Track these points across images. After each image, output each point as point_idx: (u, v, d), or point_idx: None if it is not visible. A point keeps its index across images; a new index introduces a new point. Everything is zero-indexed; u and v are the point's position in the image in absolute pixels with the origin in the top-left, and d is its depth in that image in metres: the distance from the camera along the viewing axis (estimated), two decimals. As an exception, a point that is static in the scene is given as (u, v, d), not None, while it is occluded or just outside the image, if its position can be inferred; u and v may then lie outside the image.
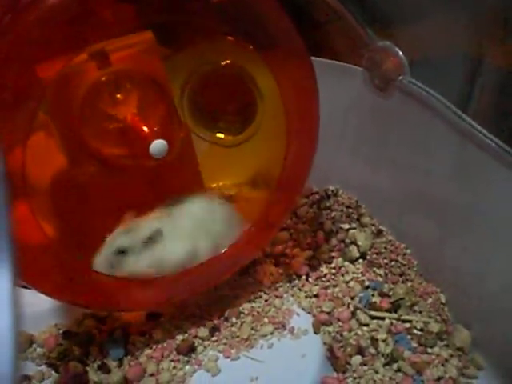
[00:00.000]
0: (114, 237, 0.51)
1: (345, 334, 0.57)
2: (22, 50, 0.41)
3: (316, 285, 0.63)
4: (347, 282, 0.63)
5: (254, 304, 0.61)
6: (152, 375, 0.54)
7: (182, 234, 0.53)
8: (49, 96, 0.44)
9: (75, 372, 0.53)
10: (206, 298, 0.61)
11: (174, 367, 0.55)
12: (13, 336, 0.24)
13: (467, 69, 0.59)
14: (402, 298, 0.60)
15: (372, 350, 0.55)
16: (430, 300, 0.61)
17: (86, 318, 0.59)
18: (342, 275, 0.64)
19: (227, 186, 0.61)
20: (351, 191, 0.75)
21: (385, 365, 0.55)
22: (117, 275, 0.52)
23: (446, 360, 0.55)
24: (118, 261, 0.51)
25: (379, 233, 0.69)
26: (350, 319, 0.59)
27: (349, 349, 0.55)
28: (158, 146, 0.48)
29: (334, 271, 0.64)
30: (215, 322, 0.59)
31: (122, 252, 0.51)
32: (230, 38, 0.51)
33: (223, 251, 0.56)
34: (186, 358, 0.56)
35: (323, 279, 0.64)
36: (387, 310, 0.59)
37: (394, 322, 0.59)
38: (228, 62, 0.55)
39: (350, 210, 0.72)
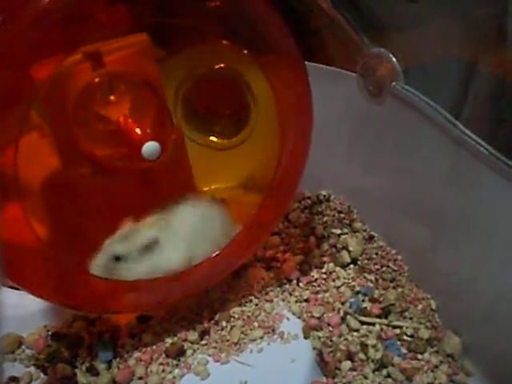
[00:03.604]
0: (111, 242, 0.51)
1: (335, 339, 0.57)
2: (15, 51, 0.40)
3: (307, 289, 0.63)
4: (338, 287, 0.63)
5: (244, 308, 0.61)
6: (141, 378, 0.54)
7: (179, 241, 0.53)
8: (42, 97, 0.44)
9: (64, 374, 0.53)
10: (197, 302, 0.61)
11: (163, 370, 0.55)
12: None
13: (461, 76, 0.59)
14: (392, 304, 0.60)
15: (362, 356, 0.55)
16: (420, 306, 0.61)
17: (75, 319, 0.59)
18: (333, 280, 0.64)
19: (220, 189, 0.61)
20: (343, 196, 0.75)
21: (374, 370, 0.55)
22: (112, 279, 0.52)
23: (436, 366, 0.55)
24: (114, 266, 0.51)
25: (371, 238, 0.69)
26: (340, 324, 0.59)
27: (338, 354, 0.55)
28: (150, 147, 0.47)
29: (324, 276, 0.64)
30: (205, 325, 0.58)
31: (117, 258, 0.51)
32: (224, 41, 0.51)
33: (214, 255, 0.56)
34: (175, 362, 0.55)
35: (314, 284, 0.64)
36: (377, 316, 0.59)
37: (384, 327, 0.58)
38: (222, 65, 0.55)
39: (342, 215, 0.72)
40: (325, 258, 0.67)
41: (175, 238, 0.53)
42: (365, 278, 0.64)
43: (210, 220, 0.56)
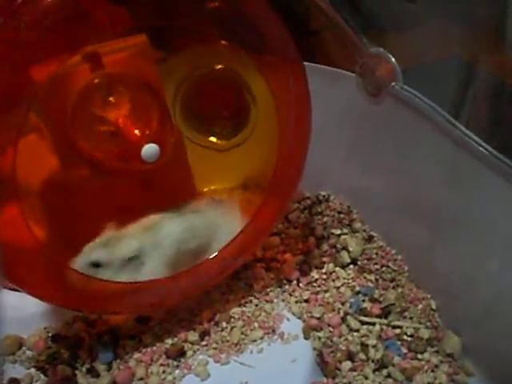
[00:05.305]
0: (92, 247, 0.50)
1: (335, 339, 0.57)
2: (14, 51, 0.41)
3: (307, 290, 0.63)
4: (338, 288, 0.63)
5: (244, 309, 0.61)
6: (141, 379, 0.54)
7: (164, 256, 0.53)
8: (41, 98, 0.44)
9: (64, 375, 0.53)
10: (196, 303, 0.61)
11: (164, 371, 0.55)
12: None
13: (460, 76, 0.59)
14: (392, 304, 0.60)
15: (362, 356, 0.55)
16: (420, 306, 0.61)
17: (75, 321, 0.58)
18: (333, 280, 0.64)
19: (219, 190, 0.61)
20: (343, 197, 0.75)
21: (375, 370, 0.54)
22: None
23: (436, 366, 0.55)
24: (93, 272, 0.51)
25: (370, 238, 0.69)
26: (340, 325, 0.59)
27: (339, 354, 0.55)
28: (149, 150, 0.47)
29: (324, 276, 0.64)
30: (205, 326, 0.58)
31: (97, 265, 0.50)
32: (223, 42, 0.51)
33: (213, 256, 0.56)
34: (175, 363, 0.55)
35: (314, 284, 0.64)
36: (378, 316, 0.59)
37: (385, 327, 0.58)
38: (221, 66, 0.55)
39: (342, 216, 0.72)
40: (325, 259, 0.67)
41: (158, 252, 0.53)
42: (365, 278, 0.64)
43: (199, 230, 0.55)
